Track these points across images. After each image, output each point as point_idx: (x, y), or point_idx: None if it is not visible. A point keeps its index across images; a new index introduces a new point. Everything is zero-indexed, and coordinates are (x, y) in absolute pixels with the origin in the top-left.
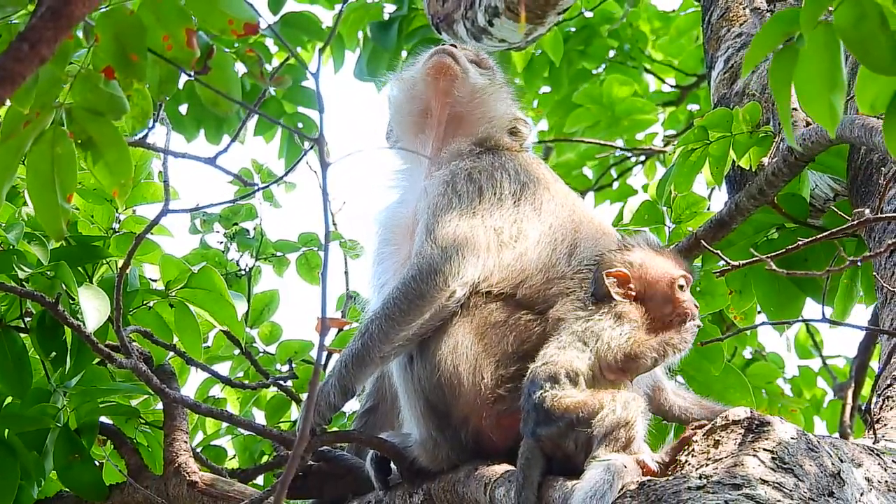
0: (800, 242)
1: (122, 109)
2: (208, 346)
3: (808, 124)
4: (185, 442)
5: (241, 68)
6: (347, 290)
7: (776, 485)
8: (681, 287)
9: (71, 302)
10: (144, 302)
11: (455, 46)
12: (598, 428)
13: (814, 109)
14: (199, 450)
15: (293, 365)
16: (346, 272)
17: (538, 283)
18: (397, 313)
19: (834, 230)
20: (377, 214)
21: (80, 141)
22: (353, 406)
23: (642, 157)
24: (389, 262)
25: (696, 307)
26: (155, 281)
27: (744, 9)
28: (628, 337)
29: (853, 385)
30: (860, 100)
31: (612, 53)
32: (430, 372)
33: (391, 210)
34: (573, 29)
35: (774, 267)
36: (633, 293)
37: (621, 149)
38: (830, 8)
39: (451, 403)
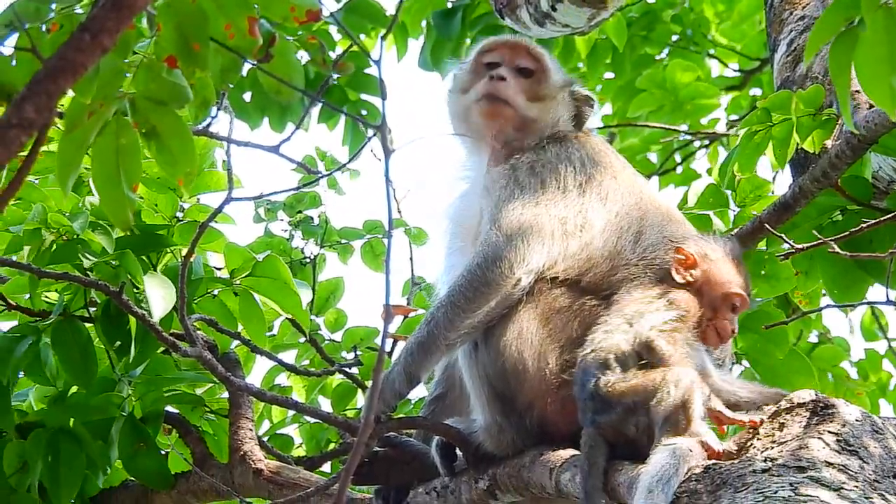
0: (863, 225)
1: (184, 98)
2: (273, 335)
3: (870, 107)
4: (251, 430)
5: (303, 56)
6: (413, 276)
7: (841, 467)
8: (733, 306)
9: (135, 291)
10: (209, 290)
11: (503, 78)
12: (657, 412)
13: (875, 92)
14: (265, 439)
15: (358, 352)
16: (410, 259)
17: (604, 270)
18: (462, 301)
19: None
20: (445, 207)
21: (143, 131)
22: (418, 393)
23: (706, 142)
24: (458, 255)
25: (733, 334)
26: (219, 269)
27: None
28: (669, 322)
29: None
30: None
31: (674, 38)
32: (495, 358)
33: (458, 202)
34: (635, 14)
35: (838, 249)
36: (691, 280)
37: (685, 132)
38: None
39: (515, 389)
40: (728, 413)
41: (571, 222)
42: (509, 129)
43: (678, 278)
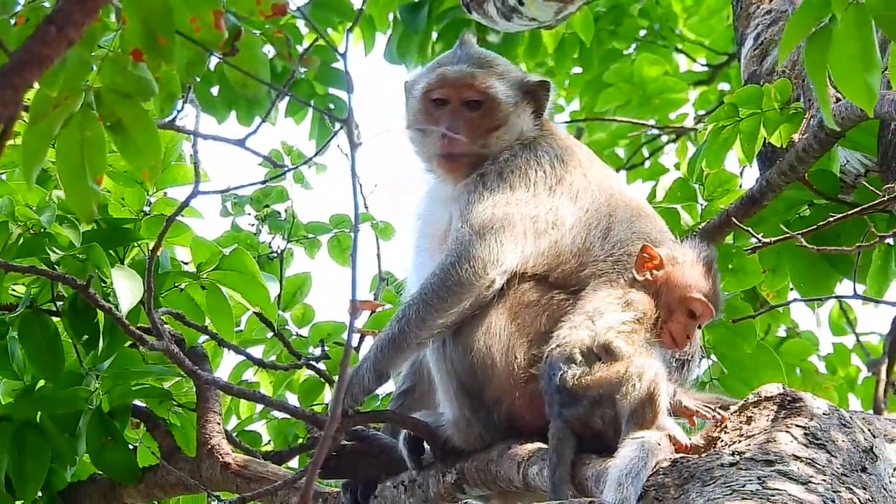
0: (831, 219)
1: (150, 91)
2: (241, 330)
3: (837, 100)
4: (218, 423)
5: (270, 50)
6: (380, 271)
7: (809, 461)
8: (691, 311)
9: (103, 284)
10: (176, 284)
11: (456, 130)
12: (623, 405)
13: (850, 89)
14: (233, 434)
15: (326, 347)
16: (377, 254)
17: (572, 266)
18: (435, 300)
19: (865, 206)
20: (413, 203)
21: (108, 123)
22: (386, 388)
23: (674, 136)
24: (426, 255)
25: (687, 342)
26: (186, 263)
27: None
28: (627, 324)
29: (886, 361)
30: (893, 77)
31: (642, 33)
32: (463, 353)
33: (427, 199)
34: (603, 9)
35: (805, 243)
36: (652, 280)
37: (653, 127)
38: None
39: (483, 384)
40: (692, 404)
41: (542, 220)
42: (471, 167)
43: (638, 276)
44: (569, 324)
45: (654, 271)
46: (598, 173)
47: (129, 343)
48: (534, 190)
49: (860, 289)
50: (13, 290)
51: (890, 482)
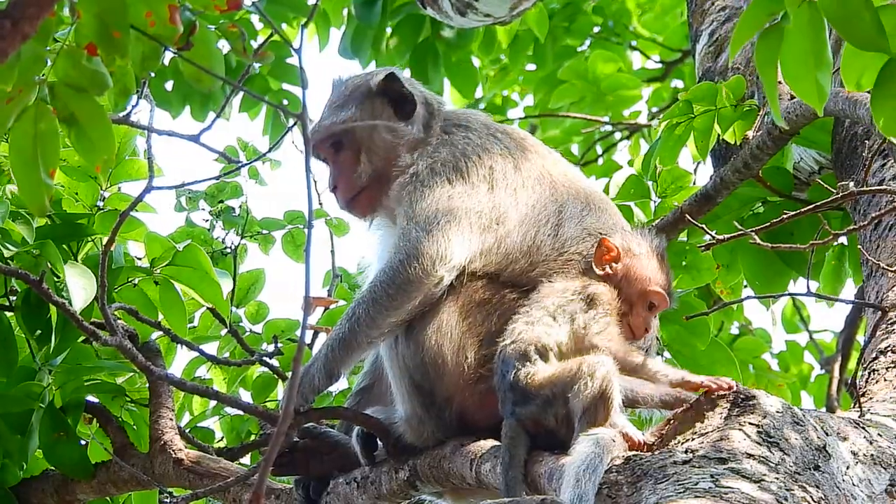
0: (784, 216)
1: (104, 85)
2: (194, 326)
3: (792, 97)
4: (171, 419)
5: (224, 45)
6: (334, 268)
7: (762, 459)
8: (651, 304)
9: (56, 280)
10: (129, 279)
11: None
12: (576, 403)
13: (800, 87)
14: (187, 431)
15: (279, 343)
16: (331, 250)
17: (522, 266)
18: (385, 298)
19: (819, 203)
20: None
21: (62, 117)
22: (339, 386)
23: (627, 133)
24: (383, 250)
25: (647, 332)
26: (140, 259)
27: None
28: (600, 322)
29: (840, 359)
30: (846, 77)
31: (596, 30)
32: (415, 350)
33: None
34: (557, 5)
35: (759, 240)
36: (611, 273)
37: (607, 123)
38: None
39: (435, 382)
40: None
41: (487, 216)
42: (382, 195)
43: (598, 270)
44: (524, 318)
45: (613, 264)
46: (535, 165)
47: (82, 338)
48: (471, 182)
49: (814, 286)
50: None
51: (843, 480)
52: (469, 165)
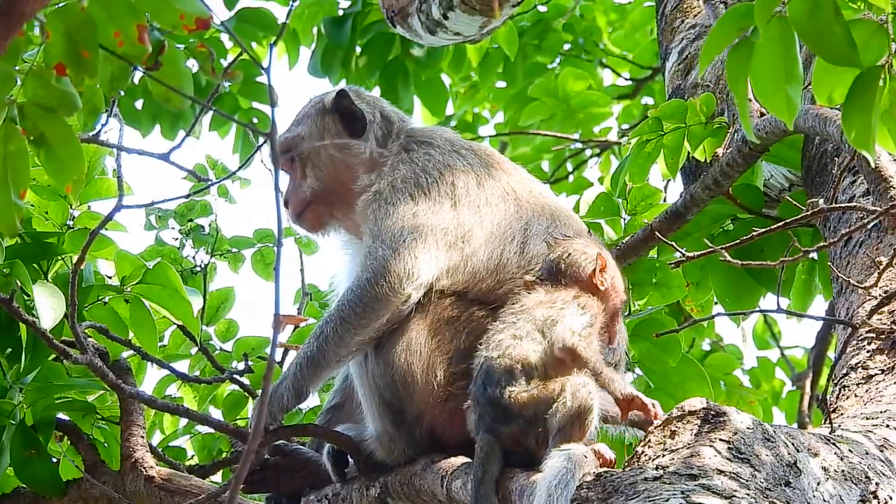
0: (755, 233)
1: (73, 106)
2: (165, 344)
3: (762, 114)
4: (142, 437)
5: (194, 64)
6: (303, 286)
7: (732, 475)
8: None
9: (26, 298)
10: (100, 298)
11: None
12: (552, 422)
13: (771, 102)
14: (159, 450)
15: (249, 361)
16: (301, 268)
17: (489, 284)
18: (352, 316)
19: (789, 220)
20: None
21: (32, 138)
22: (309, 403)
23: (598, 150)
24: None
25: (614, 339)
26: (110, 277)
27: (697, 0)
28: (585, 328)
29: (811, 375)
30: (817, 91)
31: (566, 47)
32: (385, 369)
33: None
34: (527, 23)
35: (729, 258)
36: (600, 285)
37: (577, 141)
38: (784, 0)
39: (405, 400)
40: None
41: (452, 233)
42: (334, 211)
43: (599, 285)
44: (512, 330)
45: (605, 276)
46: (498, 182)
47: (52, 357)
48: (433, 198)
49: (784, 303)
50: None
51: (814, 496)
52: (430, 182)
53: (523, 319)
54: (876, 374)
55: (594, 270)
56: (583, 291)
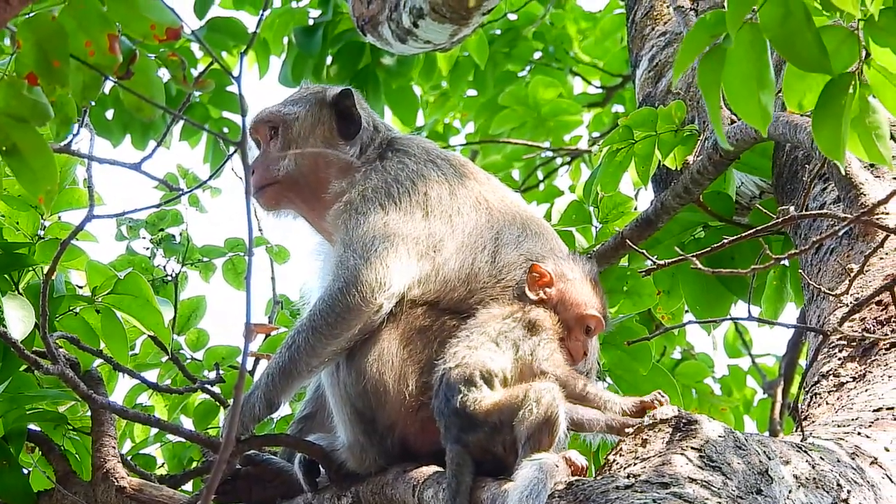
0: (725, 241)
1: (45, 116)
2: (136, 354)
3: (732, 122)
4: (113, 448)
5: (165, 73)
6: (274, 295)
7: (704, 483)
8: (588, 328)
9: None
10: (71, 308)
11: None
12: (520, 429)
13: (744, 110)
14: (128, 458)
15: (220, 371)
16: (272, 277)
17: (461, 294)
18: (324, 326)
19: (759, 228)
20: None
21: (4, 148)
22: (281, 412)
23: (568, 158)
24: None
25: (585, 355)
26: (81, 287)
27: (667, 7)
28: (547, 347)
29: (782, 383)
30: (788, 98)
31: (537, 55)
32: (357, 378)
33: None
34: (498, 31)
35: (700, 265)
36: (545, 299)
37: (547, 149)
38: (755, 8)
39: (376, 410)
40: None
41: (424, 243)
42: (299, 198)
43: (532, 295)
44: (465, 342)
45: (546, 289)
46: (471, 191)
47: (24, 367)
48: (403, 208)
49: (755, 311)
50: None
51: None
52: (401, 191)
53: (476, 332)
54: (847, 382)
55: (528, 284)
56: (532, 305)
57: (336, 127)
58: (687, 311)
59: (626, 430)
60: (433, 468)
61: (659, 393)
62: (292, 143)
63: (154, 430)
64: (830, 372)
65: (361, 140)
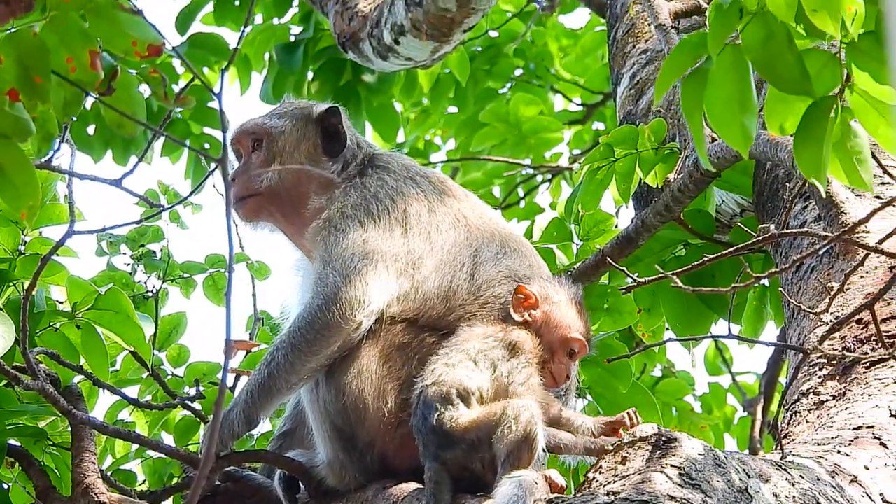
0: (705, 259)
1: (27, 132)
2: (116, 370)
3: (713, 139)
4: (93, 463)
5: (146, 89)
6: (255, 311)
7: (684, 501)
8: (571, 351)
9: None
10: (51, 324)
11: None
12: (499, 447)
13: (726, 131)
14: (108, 474)
15: (201, 387)
16: (253, 294)
17: (440, 311)
18: (303, 343)
19: (740, 246)
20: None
21: None
22: (261, 428)
23: (549, 175)
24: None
25: (567, 378)
26: (62, 303)
27: (648, 25)
28: (523, 371)
29: (762, 401)
30: (769, 121)
31: (518, 72)
32: (336, 395)
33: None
34: (479, 48)
35: (680, 283)
36: (529, 321)
37: (528, 166)
38: (738, 29)
39: (356, 427)
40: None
41: (403, 260)
42: (279, 212)
43: (516, 317)
44: (444, 360)
45: (531, 311)
46: (449, 209)
47: (4, 382)
48: (382, 225)
49: (735, 329)
50: None
51: None
52: (380, 209)
53: (455, 351)
54: (827, 400)
55: (514, 305)
56: (514, 326)
57: (321, 144)
58: (667, 329)
59: (605, 454)
60: (413, 485)
61: (631, 411)
62: (276, 157)
63: (134, 446)
64: (810, 390)
65: (345, 157)
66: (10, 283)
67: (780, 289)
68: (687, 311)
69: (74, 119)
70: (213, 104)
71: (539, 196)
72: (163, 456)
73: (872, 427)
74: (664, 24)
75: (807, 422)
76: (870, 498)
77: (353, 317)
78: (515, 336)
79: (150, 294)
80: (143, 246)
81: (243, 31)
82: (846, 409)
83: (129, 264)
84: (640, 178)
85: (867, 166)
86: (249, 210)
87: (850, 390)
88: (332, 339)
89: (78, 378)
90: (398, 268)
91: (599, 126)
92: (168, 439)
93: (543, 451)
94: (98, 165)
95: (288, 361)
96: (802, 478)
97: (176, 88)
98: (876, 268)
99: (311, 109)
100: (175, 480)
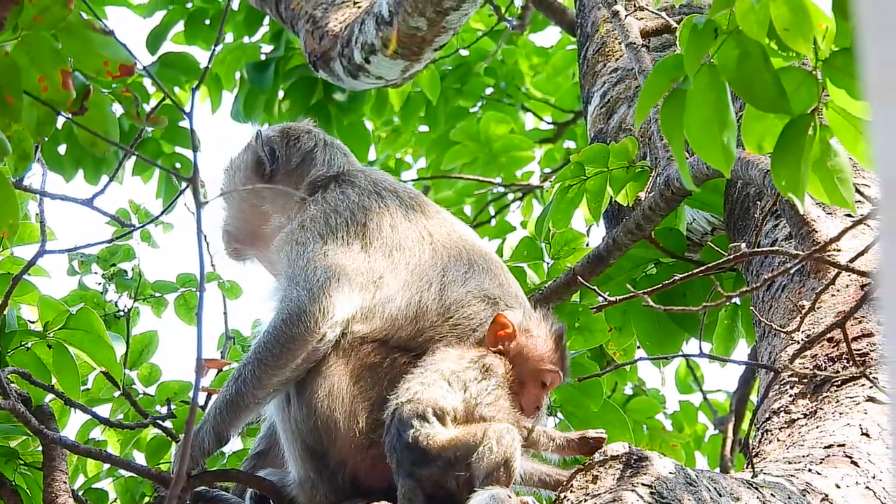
0: (676, 278)
1: (4, 151)
2: (88, 389)
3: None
4: (65, 483)
5: (118, 109)
6: (226, 330)
7: None
8: (543, 383)
9: None
10: (22, 343)
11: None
12: (478, 468)
13: (706, 152)
14: (80, 493)
15: (172, 406)
16: (224, 312)
17: (409, 332)
18: (269, 357)
19: (711, 265)
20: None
21: None
22: (233, 447)
23: (520, 194)
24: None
25: (538, 409)
26: (33, 322)
27: (619, 44)
28: (491, 393)
29: (733, 419)
30: (747, 140)
31: (488, 91)
32: (307, 414)
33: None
34: (449, 67)
35: (651, 302)
36: (503, 350)
37: (499, 185)
38: (712, 50)
39: (327, 446)
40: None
41: (364, 275)
42: (250, 246)
43: (491, 346)
44: (419, 378)
45: (506, 341)
46: (414, 227)
47: None
48: (340, 238)
49: (707, 347)
50: None
51: None
52: (339, 222)
53: (430, 370)
54: (798, 419)
55: (491, 332)
56: (490, 352)
57: (254, 171)
58: (639, 348)
59: (559, 485)
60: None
61: (597, 432)
62: (225, 201)
63: (106, 465)
64: (782, 409)
65: (284, 175)
66: None
67: (751, 307)
68: (658, 330)
69: (46, 138)
70: (185, 123)
71: (510, 214)
72: (134, 475)
73: (844, 445)
74: (635, 43)
75: (778, 440)
76: None
77: (317, 329)
78: (489, 360)
79: (121, 313)
80: (114, 265)
81: (214, 49)
82: (817, 427)
83: (100, 283)
84: (611, 197)
85: (848, 185)
86: (229, 253)
87: (821, 409)
88: (297, 351)
89: (49, 397)
90: (360, 282)
91: (570, 144)
92: (140, 458)
93: (521, 476)
94: (69, 185)
95: (255, 376)
96: (773, 496)
97: (147, 108)
98: (847, 286)
99: (249, 142)
100: (147, 500)
